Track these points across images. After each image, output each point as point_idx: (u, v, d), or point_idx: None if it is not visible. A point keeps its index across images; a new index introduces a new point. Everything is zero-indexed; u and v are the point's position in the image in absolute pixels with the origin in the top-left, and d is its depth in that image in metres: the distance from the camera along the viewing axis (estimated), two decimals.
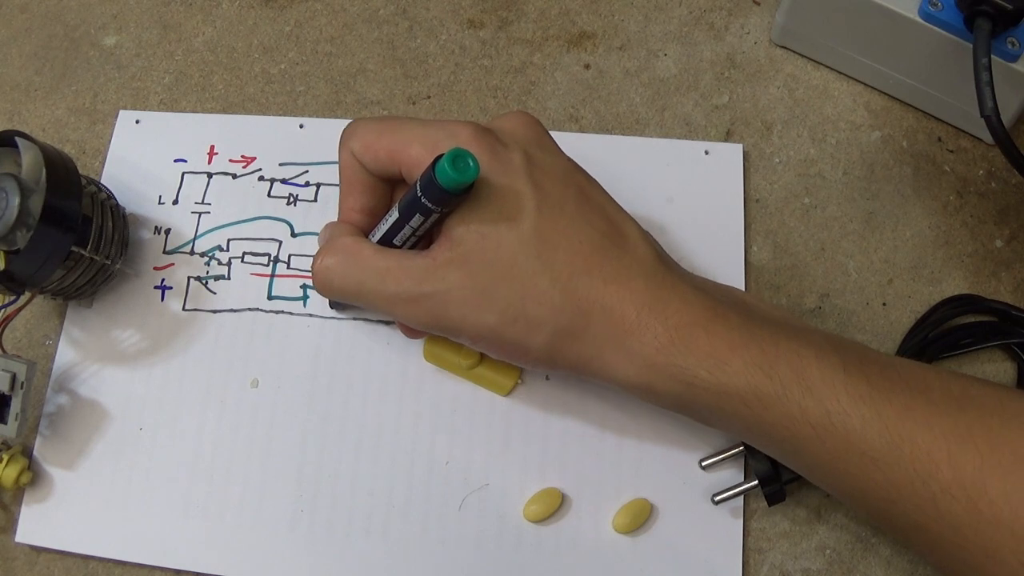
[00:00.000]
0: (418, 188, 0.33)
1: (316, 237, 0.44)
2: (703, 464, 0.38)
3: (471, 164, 0.31)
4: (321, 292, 0.37)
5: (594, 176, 0.36)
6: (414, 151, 0.34)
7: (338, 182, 0.37)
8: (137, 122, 0.47)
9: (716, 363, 0.31)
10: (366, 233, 0.37)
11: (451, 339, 0.35)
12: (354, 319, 0.42)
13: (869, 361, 0.31)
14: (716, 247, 0.42)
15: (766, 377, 0.31)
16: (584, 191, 0.35)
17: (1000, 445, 0.29)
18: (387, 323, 0.42)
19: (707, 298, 0.33)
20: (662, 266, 0.34)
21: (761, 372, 0.31)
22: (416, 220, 0.34)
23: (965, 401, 0.30)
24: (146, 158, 0.46)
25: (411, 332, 0.39)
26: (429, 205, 0.33)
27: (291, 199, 0.45)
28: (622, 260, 0.33)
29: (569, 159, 0.36)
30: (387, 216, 0.35)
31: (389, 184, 0.37)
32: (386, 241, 0.35)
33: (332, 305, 0.42)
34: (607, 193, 0.36)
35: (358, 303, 0.36)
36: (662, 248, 0.36)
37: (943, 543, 0.29)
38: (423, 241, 0.35)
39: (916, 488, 0.29)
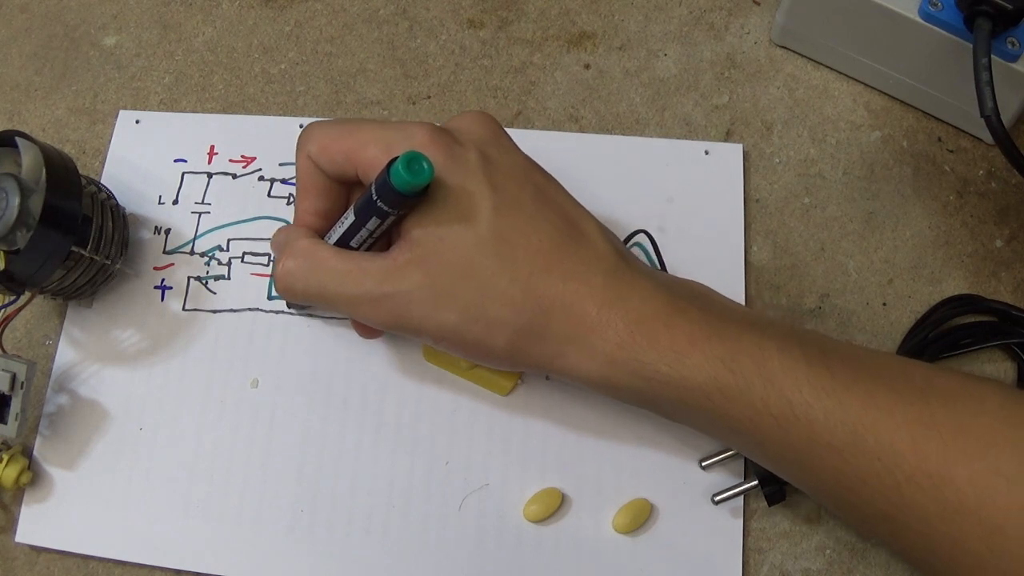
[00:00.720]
0: (373, 191, 0.33)
1: None
2: (703, 464, 0.38)
3: (425, 167, 0.31)
4: (283, 296, 0.37)
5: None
6: (370, 153, 0.34)
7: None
8: (137, 122, 0.47)
9: (677, 357, 0.31)
10: (322, 235, 0.37)
11: (413, 339, 0.35)
12: (321, 317, 0.42)
13: (831, 351, 0.31)
14: (716, 247, 0.42)
15: (727, 370, 0.31)
16: (541, 189, 0.35)
17: (964, 432, 0.29)
18: None
19: (667, 293, 0.33)
20: (622, 262, 0.34)
21: (722, 365, 0.31)
22: (372, 223, 0.34)
23: (928, 389, 0.30)
24: (146, 158, 0.46)
25: (368, 332, 0.39)
26: (384, 208, 0.33)
27: (291, 199, 0.45)
28: (581, 257, 0.33)
29: (526, 157, 0.36)
30: (343, 218, 0.35)
31: (345, 187, 0.37)
32: (343, 243, 0.35)
33: (290, 305, 0.42)
34: (565, 190, 0.36)
35: (320, 305, 0.36)
36: (622, 244, 0.36)
37: (909, 532, 0.29)
38: (380, 242, 0.35)
39: (881, 478, 0.29)
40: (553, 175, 0.36)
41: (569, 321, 0.32)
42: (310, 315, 0.42)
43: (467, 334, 0.33)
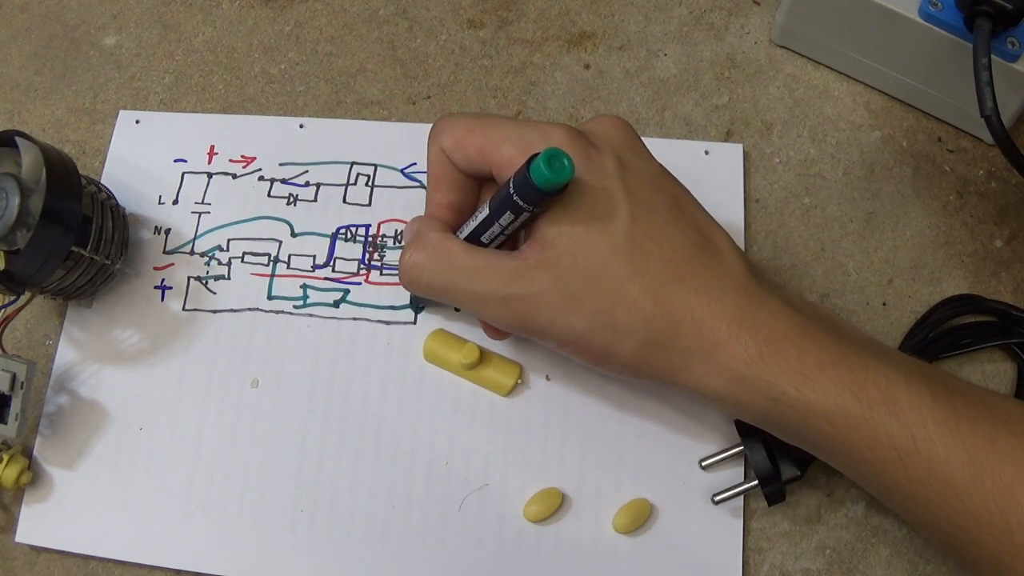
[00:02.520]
0: (511, 186, 0.32)
1: (315, 237, 0.44)
2: (703, 464, 0.38)
3: (566, 164, 0.31)
4: (408, 287, 0.36)
5: None
6: (506, 151, 0.34)
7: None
8: (137, 122, 0.47)
9: (805, 380, 0.31)
10: (452, 229, 0.37)
11: (536, 342, 0.35)
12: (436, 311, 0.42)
13: (954, 390, 0.31)
14: None
15: (854, 398, 0.31)
16: (676, 199, 0.34)
17: None
18: (387, 323, 0.42)
19: (796, 314, 0.33)
20: (753, 279, 0.33)
21: (849, 392, 0.31)
22: (506, 218, 0.33)
23: None
24: (146, 158, 0.46)
25: (495, 332, 0.39)
26: (521, 204, 0.32)
27: (291, 199, 0.45)
28: (714, 271, 0.33)
29: (661, 166, 0.35)
30: (476, 213, 0.35)
31: (477, 182, 0.37)
32: (474, 238, 0.35)
33: (412, 302, 0.42)
34: (699, 203, 0.35)
35: (444, 300, 0.36)
36: (751, 261, 0.35)
37: (1015, 575, 0.30)
38: (510, 242, 0.35)
39: (994, 519, 0.29)
40: None
41: (698, 335, 0.32)
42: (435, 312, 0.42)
43: (593, 340, 0.33)
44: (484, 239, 0.35)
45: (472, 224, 0.35)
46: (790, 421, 0.32)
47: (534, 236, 0.33)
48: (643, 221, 0.33)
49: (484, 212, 0.34)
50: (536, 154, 0.31)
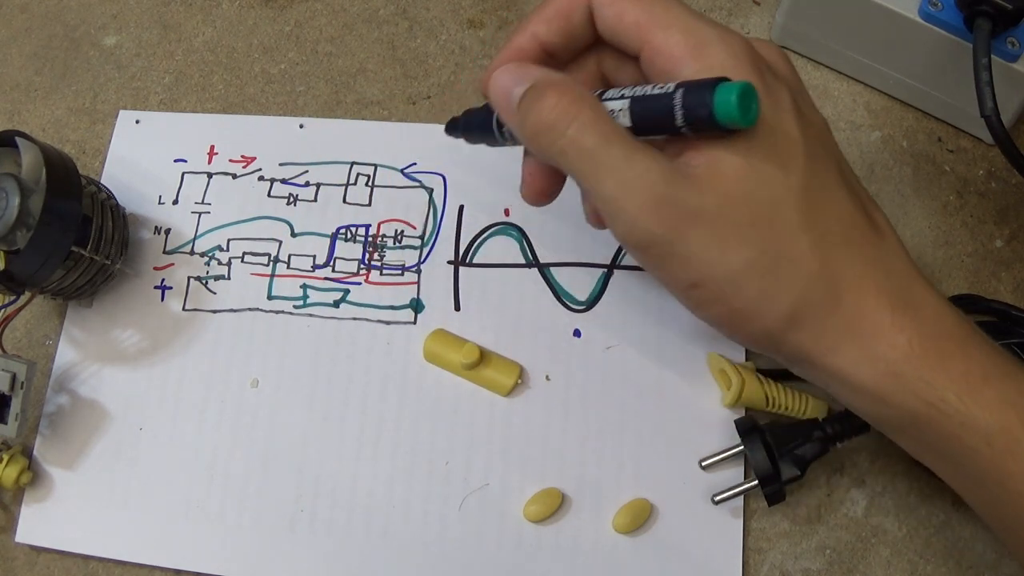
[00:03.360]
0: (679, 113, 0.27)
1: (315, 237, 0.44)
2: (703, 464, 0.38)
3: (754, 108, 0.26)
4: (540, 137, 0.28)
5: None
6: (672, 38, 0.28)
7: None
8: (137, 122, 0.47)
9: (968, 389, 0.27)
10: None
11: (659, 271, 0.29)
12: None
13: None
14: None
15: (1020, 420, 0.27)
16: (840, 161, 0.30)
17: None
18: (387, 323, 0.42)
19: (959, 314, 0.29)
20: (914, 266, 0.29)
21: (1015, 413, 0.27)
22: (651, 136, 0.28)
23: None
24: (146, 158, 0.46)
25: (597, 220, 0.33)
26: (686, 132, 0.27)
27: (291, 199, 0.45)
28: (880, 247, 0.29)
29: (825, 119, 0.31)
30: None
31: (590, 43, 0.31)
32: None
33: (450, 129, 0.35)
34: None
35: (572, 169, 0.28)
36: None
37: None
38: None
39: None
40: None
41: (857, 315, 0.28)
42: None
43: (745, 288, 0.27)
44: None
45: None
46: (940, 433, 0.28)
47: (696, 146, 0.28)
48: (817, 173, 0.28)
49: (623, 121, 0.28)
50: (721, 80, 0.26)
